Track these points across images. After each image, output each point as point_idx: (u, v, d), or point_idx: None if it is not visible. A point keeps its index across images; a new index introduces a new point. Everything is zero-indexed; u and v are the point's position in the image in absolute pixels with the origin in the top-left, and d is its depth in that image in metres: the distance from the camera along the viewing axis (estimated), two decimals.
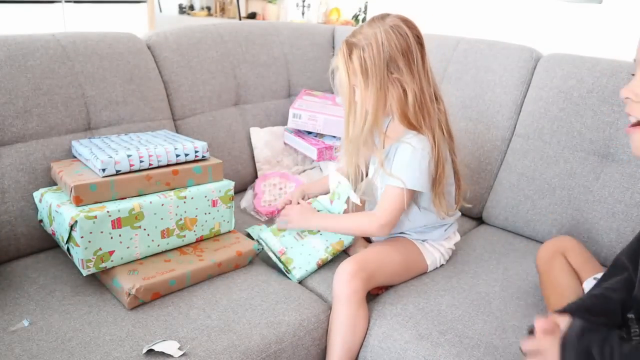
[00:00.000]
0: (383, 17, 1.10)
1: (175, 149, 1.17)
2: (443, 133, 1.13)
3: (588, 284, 1.03)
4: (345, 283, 1.06)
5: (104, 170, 1.07)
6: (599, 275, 0.95)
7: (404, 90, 1.08)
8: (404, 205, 1.11)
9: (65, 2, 2.69)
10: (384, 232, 1.14)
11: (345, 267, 1.08)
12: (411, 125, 1.10)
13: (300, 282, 1.20)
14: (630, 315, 0.76)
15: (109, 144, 1.18)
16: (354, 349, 1.08)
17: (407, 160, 1.10)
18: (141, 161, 1.11)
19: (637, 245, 0.80)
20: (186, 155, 1.19)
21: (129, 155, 1.10)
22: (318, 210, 1.27)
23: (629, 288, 0.79)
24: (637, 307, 0.74)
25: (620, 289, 0.80)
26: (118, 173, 1.09)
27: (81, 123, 1.27)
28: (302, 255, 1.21)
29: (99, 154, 1.09)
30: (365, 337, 1.09)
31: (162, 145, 1.17)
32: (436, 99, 1.13)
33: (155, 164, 1.14)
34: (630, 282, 0.79)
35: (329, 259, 1.22)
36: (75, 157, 1.21)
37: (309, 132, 1.69)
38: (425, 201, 1.17)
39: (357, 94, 1.11)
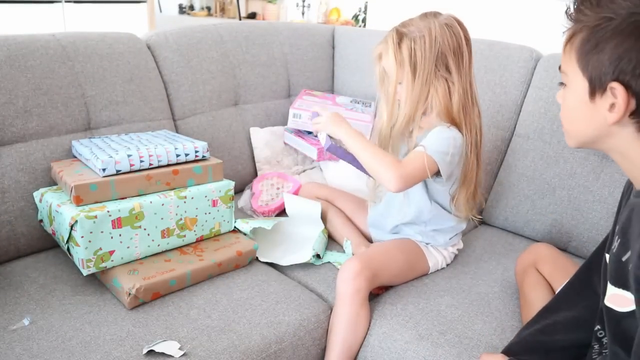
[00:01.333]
0: (435, 14, 1.09)
1: (176, 148, 1.17)
2: (477, 136, 1.13)
3: None
4: (349, 281, 1.06)
5: (104, 170, 1.07)
6: None
7: (449, 89, 1.08)
8: (425, 169, 1.05)
9: (65, 2, 2.69)
10: (398, 183, 1.03)
11: (350, 265, 1.07)
12: (452, 122, 1.10)
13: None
14: (597, 327, 0.76)
15: (109, 143, 1.18)
16: (354, 348, 1.08)
17: (436, 133, 1.08)
18: (141, 161, 1.11)
19: (599, 258, 0.80)
20: (186, 155, 1.19)
21: (129, 155, 1.10)
22: (325, 262, 1.26)
23: (585, 320, 0.80)
24: (601, 317, 0.74)
25: (570, 328, 0.82)
26: (118, 173, 1.09)
27: (81, 123, 1.27)
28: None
29: (99, 154, 1.09)
30: (365, 337, 1.08)
31: (162, 145, 1.17)
32: (474, 104, 1.13)
33: (155, 164, 1.14)
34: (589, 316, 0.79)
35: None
36: (75, 157, 1.21)
37: (309, 132, 1.69)
38: (438, 193, 1.17)
39: (400, 86, 1.10)
